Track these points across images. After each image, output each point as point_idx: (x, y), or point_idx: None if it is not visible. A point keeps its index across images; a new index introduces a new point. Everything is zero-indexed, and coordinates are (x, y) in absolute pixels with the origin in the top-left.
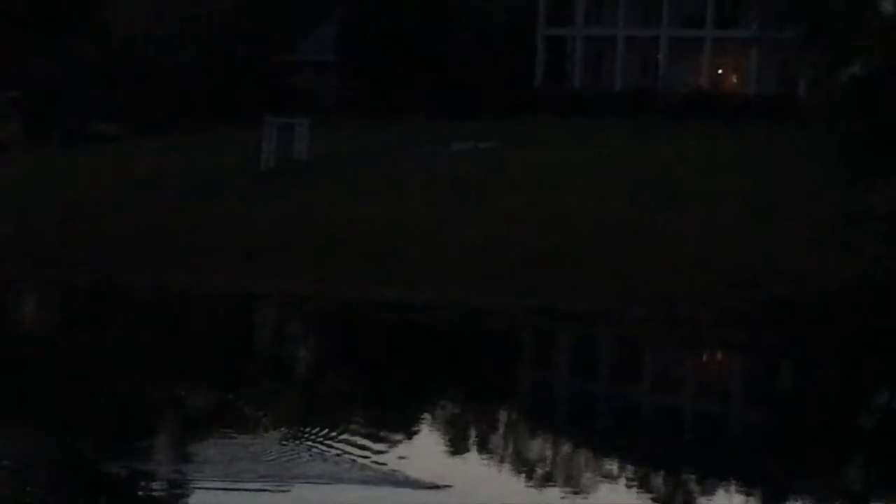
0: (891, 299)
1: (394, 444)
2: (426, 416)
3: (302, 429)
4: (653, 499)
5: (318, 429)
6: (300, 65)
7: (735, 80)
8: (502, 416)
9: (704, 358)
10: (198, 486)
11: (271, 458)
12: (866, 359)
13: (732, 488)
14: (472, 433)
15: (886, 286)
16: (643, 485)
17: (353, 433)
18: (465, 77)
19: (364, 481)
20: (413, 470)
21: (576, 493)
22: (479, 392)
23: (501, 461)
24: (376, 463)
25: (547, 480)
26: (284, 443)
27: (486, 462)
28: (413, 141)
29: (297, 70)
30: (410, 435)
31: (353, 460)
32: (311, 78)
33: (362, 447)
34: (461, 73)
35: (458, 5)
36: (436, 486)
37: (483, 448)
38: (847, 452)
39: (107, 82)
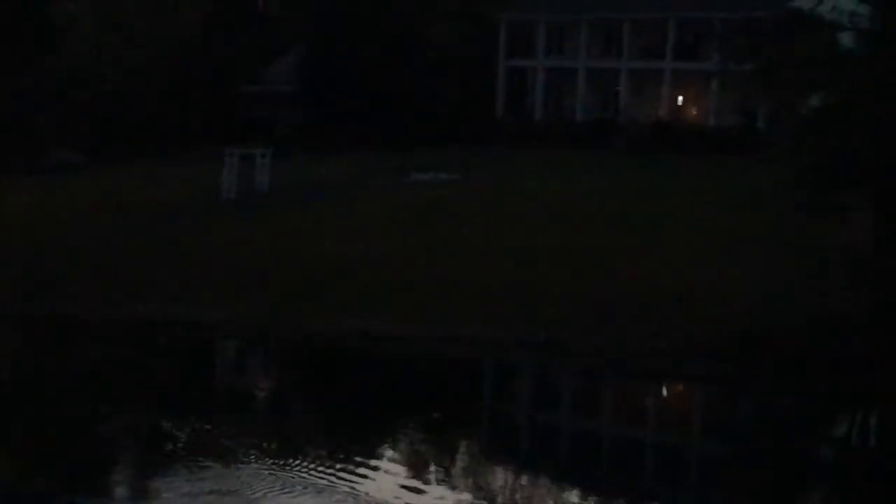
0: (852, 332)
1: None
2: (381, 445)
3: (260, 459)
4: None
5: (277, 459)
6: (262, 95)
7: (695, 112)
8: (457, 446)
9: (656, 390)
10: None
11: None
12: (824, 392)
13: None
14: (427, 463)
15: (848, 319)
16: None
17: (312, 461)
18: (427, 108)
19: None
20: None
21: None
22: (441, 422)
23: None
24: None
25: None
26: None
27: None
28: (374, 172)
29: (259, 100)
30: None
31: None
32: (273, 108)
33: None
34: (423, 103)
35: (419, 36)
36: None
37: (441, 480)
38: (800, 488)
39: (68, 111)
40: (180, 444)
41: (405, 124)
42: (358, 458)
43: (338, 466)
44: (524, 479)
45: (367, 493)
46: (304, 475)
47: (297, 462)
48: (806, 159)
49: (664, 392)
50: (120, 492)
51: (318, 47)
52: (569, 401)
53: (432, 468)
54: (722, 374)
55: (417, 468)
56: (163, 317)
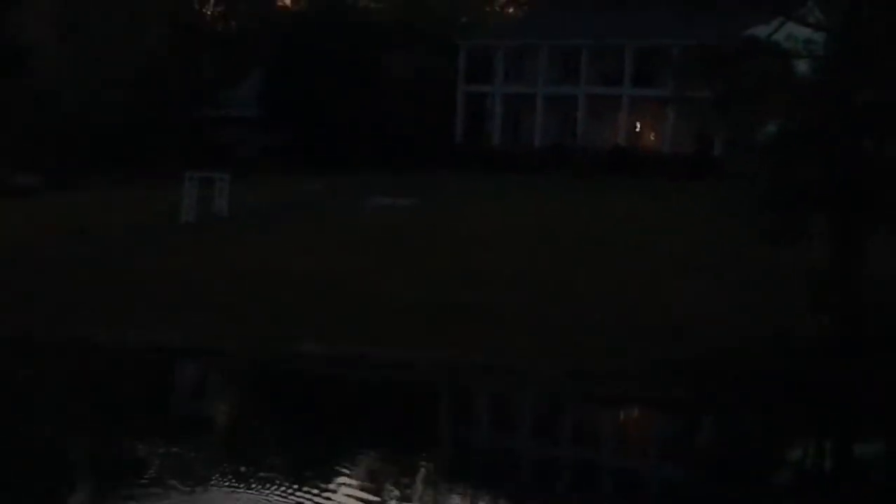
0: (809, 355)
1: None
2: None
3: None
4: None
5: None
6: (222, 120)
7: (652, 138)
8: (411, 470)
9: (613, 413)
10: None
11: None
12: (779, 414)
13: None
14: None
15: (806, 342)
16: None
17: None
18: (387, 132)
19: None
20: None
21: None
22: (396, 446)
23: None
24: None
25: None
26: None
27: None
28: (333, 196)
29: (220, 124)
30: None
31: None
32: (234, 132)
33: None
34: (382, 128)
35: (379, 61)
36: None
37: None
38: None
39: (28, 134)
40: (112, 468)
41: (365, 149)
42: (315, 481)
43: (294, 488)
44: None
45: None
46: (262, 498)
47: (253, 486)
48: (764, 185)
49: (620, 415)
50: None
51: (279, 72)
52: (524, 424)
53: (388, 491)
54: (678, 397)
55: (372, 491)
56: (112, 340)
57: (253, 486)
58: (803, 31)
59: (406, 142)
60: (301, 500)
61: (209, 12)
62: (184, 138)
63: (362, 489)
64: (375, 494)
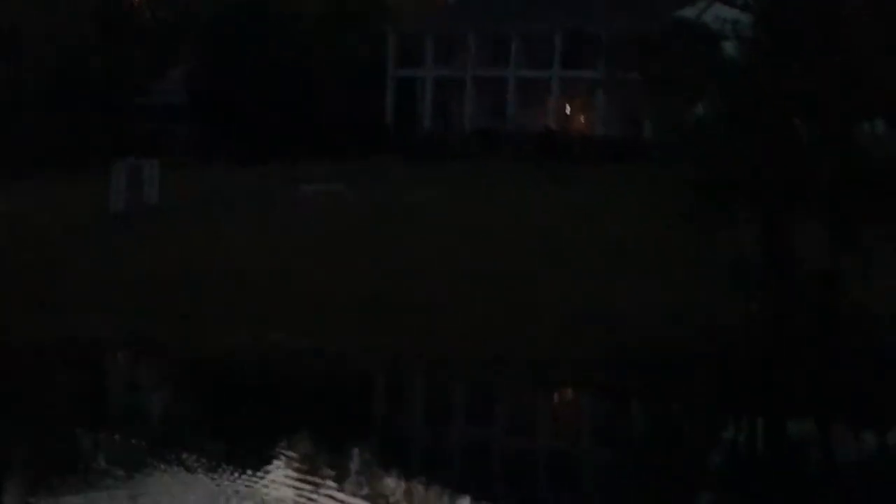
0: (739, 342)
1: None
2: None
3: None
4: None
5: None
6: (151, 108)
7: (583, 121)
8: (346, 456)
9: (544, 402)
10: None
11: None
12: (709, 401)
13: None
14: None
15: (736, 329)
16: None
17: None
18: (317, 118)
19: None
20: None
21: None
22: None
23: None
24: None
25: None
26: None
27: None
28: (262, 183)
29: (148, 113)
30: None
31: None
32: (163, 121)
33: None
34: (313, 114)
35: (308, 48)
36: None
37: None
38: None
39: None
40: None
41: (294, 136)
42: (250, 467)
43: (233, 475)
44: (409, 487)
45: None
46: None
47: (190, 472)
48: (692, 170)
49: (552, 403)
50: None
51: (207, 61)
52: (462, 412)
53: (324, 477)
54: (606, 386)
55: (310, 477)
56: (38, 333)
57: (190, 472)
58: (731, 13)
59: (337, 128)
60: (239, 486)
61: (135, 2)
62: (111, 128)
63: (299, 473)
64: (312, 478)
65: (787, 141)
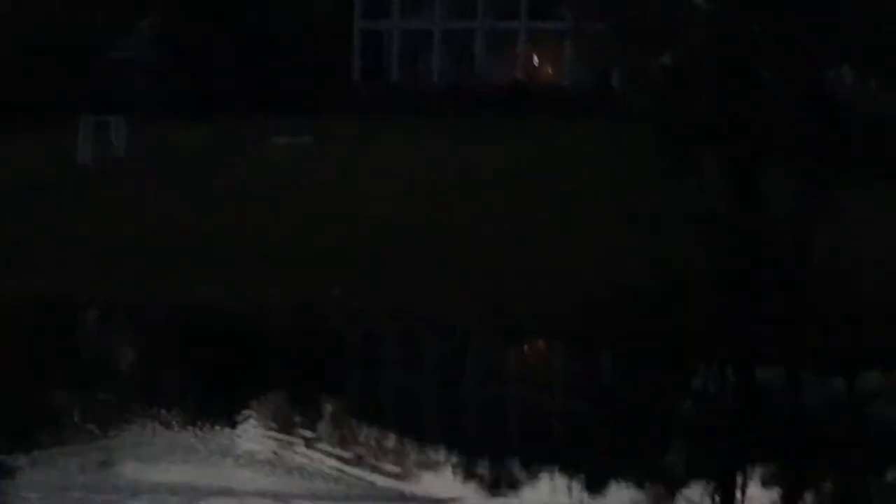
0: (704, 294)
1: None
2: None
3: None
4: None
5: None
6: (118, 63)
7: (550, 72)
8: (317, 407)
9: (510, 354)
10: None
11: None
12: (674, 354)
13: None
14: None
15: (701, 282)
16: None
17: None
18: (285, 72)
19: None
20: None
21: None
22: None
23: None
24: None
25: None
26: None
27: None
28: (231, 138)
29: (116, 68)
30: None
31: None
32: (131, 76)
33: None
34: (281, 68)
35: (273, 1)
36: None
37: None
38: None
39: None
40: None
41: (264, 90)
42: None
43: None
44: (381, 439)
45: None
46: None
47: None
48: (657, 119)
49: (518, 355)
50: None
51: (173, 17)
52: (429, 365)
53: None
54: (573, 339)
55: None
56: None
57: (162, 428)
58: None
59: (303, 83)
60: (211, 438)
61: None
62: (78, 83)
63: (270, 428)
64: (284, 432)
65: (755, 90)
